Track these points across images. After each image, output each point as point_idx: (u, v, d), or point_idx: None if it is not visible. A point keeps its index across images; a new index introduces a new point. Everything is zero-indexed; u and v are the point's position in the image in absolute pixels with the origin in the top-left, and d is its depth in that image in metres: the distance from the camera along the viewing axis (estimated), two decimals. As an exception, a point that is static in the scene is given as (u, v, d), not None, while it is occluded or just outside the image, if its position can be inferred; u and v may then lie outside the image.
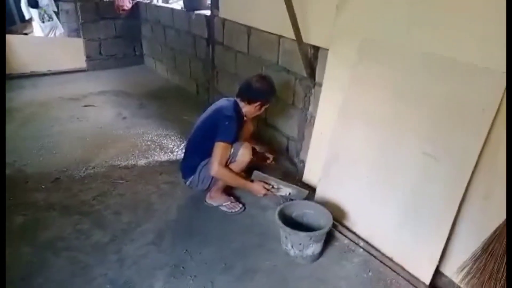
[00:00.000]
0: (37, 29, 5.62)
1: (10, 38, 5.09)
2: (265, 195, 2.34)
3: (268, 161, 2.78)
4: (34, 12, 5.44)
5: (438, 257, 1.88)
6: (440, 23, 1.81)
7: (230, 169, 2.33)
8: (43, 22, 5.49)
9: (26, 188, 2.68)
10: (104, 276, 1.96)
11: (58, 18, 5.66)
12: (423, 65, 1.90)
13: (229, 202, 2.50)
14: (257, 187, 2.33)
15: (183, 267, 2.03)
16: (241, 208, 2.50)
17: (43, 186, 2.70)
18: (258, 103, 2.43)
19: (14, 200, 2.52)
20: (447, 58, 1.78)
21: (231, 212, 2.47)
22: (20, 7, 5.57)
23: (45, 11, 5.44)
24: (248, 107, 2.45)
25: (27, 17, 5.55)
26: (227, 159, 2.31)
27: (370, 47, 2.14)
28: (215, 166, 2.24)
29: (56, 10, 5.55)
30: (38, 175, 2.83)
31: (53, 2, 5.50)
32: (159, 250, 2.15)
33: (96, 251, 2.12)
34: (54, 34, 5.62)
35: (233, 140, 2.31)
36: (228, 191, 2.58)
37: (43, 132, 3.56)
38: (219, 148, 2.25)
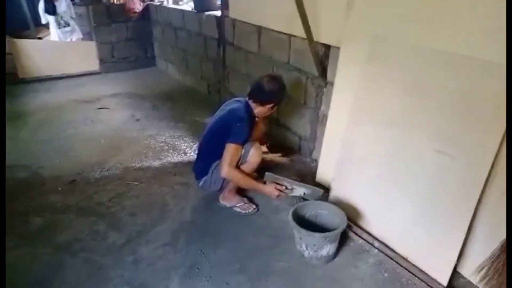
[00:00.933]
0: (53, 34, 5.67)
1: (24, 43, 5.17)
2: (278, 196, 2.32)
3: (278, 156, 2.84)
4: (50, 18, 5.48)
5: (456, 257, 1.85)
6: (453, 19, 1.78)
7: (241, 171, 2.32)
8: (59, 28, 5.54)
9: (43, 190, 2.73)
10: (120, 277, 1.99)
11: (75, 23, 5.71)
12: (435, 62, 1.87)
13: (242, 203, 2.51)
14: (269, 189, 2.31)
15: (198, 268, 2.04)
16: (254, 209, 2.50)
17: (60, 188, 2.75)
18: (271, 104, 2.43)
19: (32, 202, 2.57)
20: (460, 54, 1.75)
21: (245, 213, 2.48)
22: (34, 12, 5.63)
23: (61, 17, 5.48)
24: (261, 108, 2.44)
25: (43, 21, 5.59)
26: (238, 160, 2.32)
27: (381, 44, 2.11)
28: (225, 168, 2.24)
29: (74, 16, 5.59)
30: (54, 178, 2.88)
31: (72, 8, 5.54)
32: (174, 251, 2.17)
33: (112, 253, 2.15)
34: (71, 39, 5.67)
35: (244, 141, 2.31)
36: (241, 192, 2.58)
37: (58, 135, 3.62)
38: (230, 150, 2.25)
